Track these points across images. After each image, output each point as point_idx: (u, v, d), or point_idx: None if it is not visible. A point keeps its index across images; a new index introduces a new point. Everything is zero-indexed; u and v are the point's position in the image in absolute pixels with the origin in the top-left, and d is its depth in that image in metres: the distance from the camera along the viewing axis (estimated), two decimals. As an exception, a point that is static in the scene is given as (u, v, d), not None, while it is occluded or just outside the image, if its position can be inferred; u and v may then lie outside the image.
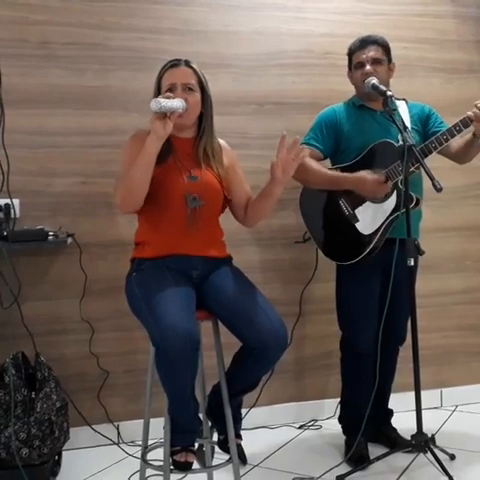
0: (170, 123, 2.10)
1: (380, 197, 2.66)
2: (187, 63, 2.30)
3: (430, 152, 2.59)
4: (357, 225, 2.71)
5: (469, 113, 2.52)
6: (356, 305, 2.77)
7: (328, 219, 2.80)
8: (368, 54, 2.70)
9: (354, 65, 2.75)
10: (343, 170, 2.73)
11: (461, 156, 2.75)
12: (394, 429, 2.91)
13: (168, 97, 2.11)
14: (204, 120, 2.33)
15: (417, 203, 2.62)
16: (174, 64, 2.29)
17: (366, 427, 2.62)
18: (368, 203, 2.70)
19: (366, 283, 2.74)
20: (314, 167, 2.72)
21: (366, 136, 2.72)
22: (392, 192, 2.66)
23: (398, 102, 2.71)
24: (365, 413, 2.60)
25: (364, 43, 2.72)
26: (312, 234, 2.86)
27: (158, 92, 2.29)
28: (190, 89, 2.26)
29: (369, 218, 2.69)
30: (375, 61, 2.70)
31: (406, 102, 2.80)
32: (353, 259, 2.69)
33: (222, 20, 3.11)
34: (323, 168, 2.76)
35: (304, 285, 3.17)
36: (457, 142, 2.70)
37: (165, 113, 2.08)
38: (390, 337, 2.74)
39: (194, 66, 2.31)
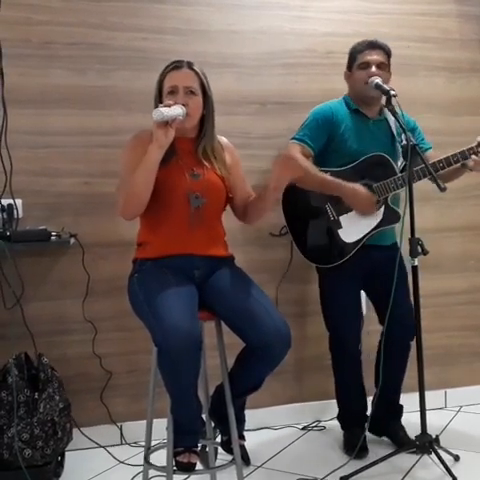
0: (172, 131, 2.11)
1: (367, 214, 2.70)
2: (189, 65, 2.28)
3: (425, 176, 2.61)
4: (340, 231, 2.73)
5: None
6: (339, 307, 2.83)
7: (311, 221, 2.81)
8: (376, 56, 2.71)
9: (358, 64, 2.74)
10: (333, 175, 2.71)
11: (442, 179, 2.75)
12: (402, 427, 2.87)
13: (168, 105, 2.12)
14: (205, 122, 2.33)
15: (398, 218, 2.68)
16: (176, 66, 2.27)
17: (365, 421, 2.73)
18: (354, 212, 2.72)
19: (346, 287, 2.79)
20: (308, 167, 2.68)
21: (358, 143, 2.74)
22: (381, 207, 2.70)
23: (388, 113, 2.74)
24: (357, 408, 2.83)
25: (372, 46, 2.73)
26: (292, 233, 2.86)
27: (159, 94, 2.29)
28: (192, 92, 2.25)
29: (353, 227, 2.72)
30: (380, 65, 2.71)
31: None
32: (329, 264, 2.75)
33: (225, 19, 3.11)
34: (317, 169, 2.73)
35: (306, 284, 3.16)
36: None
37: (167, 121, 2.09)
38: (397, 333, 2.71)
39: (196, 68, 2.28)
